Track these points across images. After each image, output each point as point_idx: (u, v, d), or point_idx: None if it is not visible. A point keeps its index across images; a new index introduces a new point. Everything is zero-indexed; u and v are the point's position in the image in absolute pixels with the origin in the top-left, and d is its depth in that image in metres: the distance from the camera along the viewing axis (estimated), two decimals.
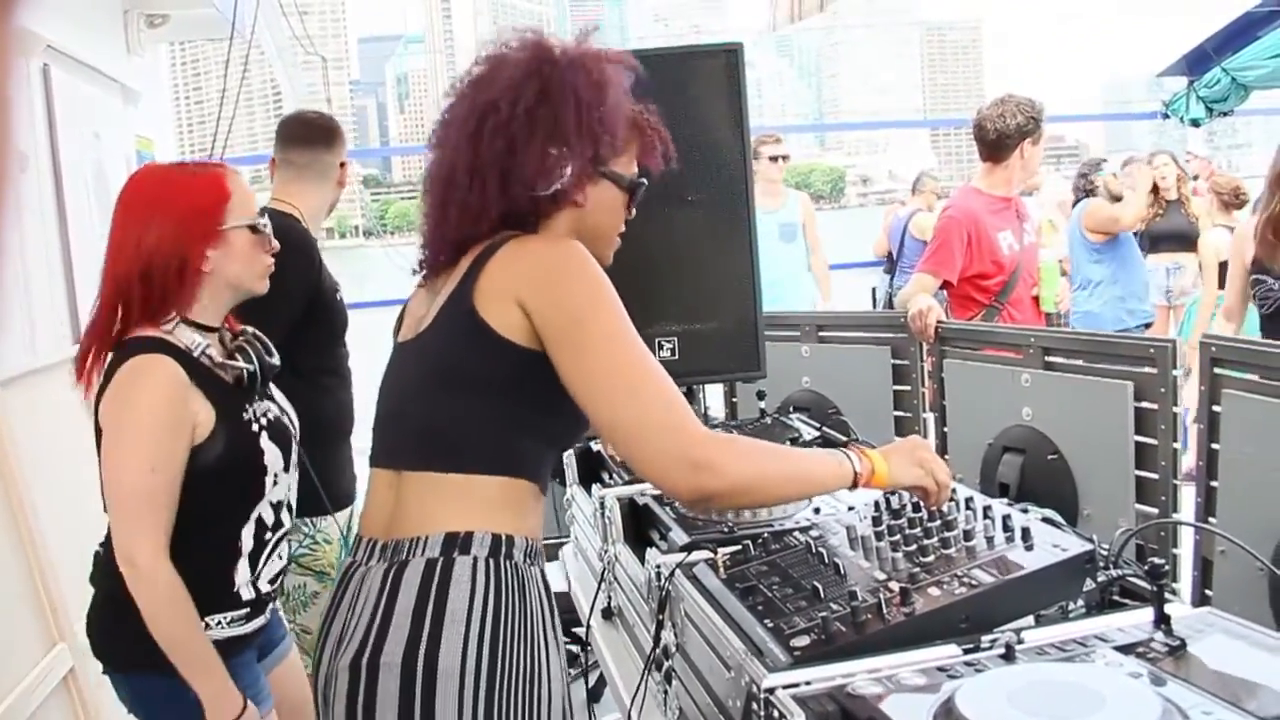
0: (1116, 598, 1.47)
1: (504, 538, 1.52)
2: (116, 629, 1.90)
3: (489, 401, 1.53)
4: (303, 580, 2.70)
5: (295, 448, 2.05)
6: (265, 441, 1.93)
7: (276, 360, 2.04)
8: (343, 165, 2.97)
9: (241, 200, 1.95)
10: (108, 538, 1.91)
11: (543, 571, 1.61)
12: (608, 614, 2.17)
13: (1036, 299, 3.88)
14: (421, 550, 1.50)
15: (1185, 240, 6.49)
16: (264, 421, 1.96)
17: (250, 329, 2.06)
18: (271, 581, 2.02)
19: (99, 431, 1.87)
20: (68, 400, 3.06)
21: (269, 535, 1.99)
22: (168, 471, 1.81)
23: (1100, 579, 1.44)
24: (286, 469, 2.00)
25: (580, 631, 2.30)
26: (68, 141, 3.29)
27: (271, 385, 2.07)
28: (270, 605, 2.05)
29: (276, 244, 2.02)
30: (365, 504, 1.65)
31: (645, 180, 1.66)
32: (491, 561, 1.50)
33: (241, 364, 1.94)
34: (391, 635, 1.46)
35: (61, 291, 3.25)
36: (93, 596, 1.98)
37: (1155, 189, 6.34)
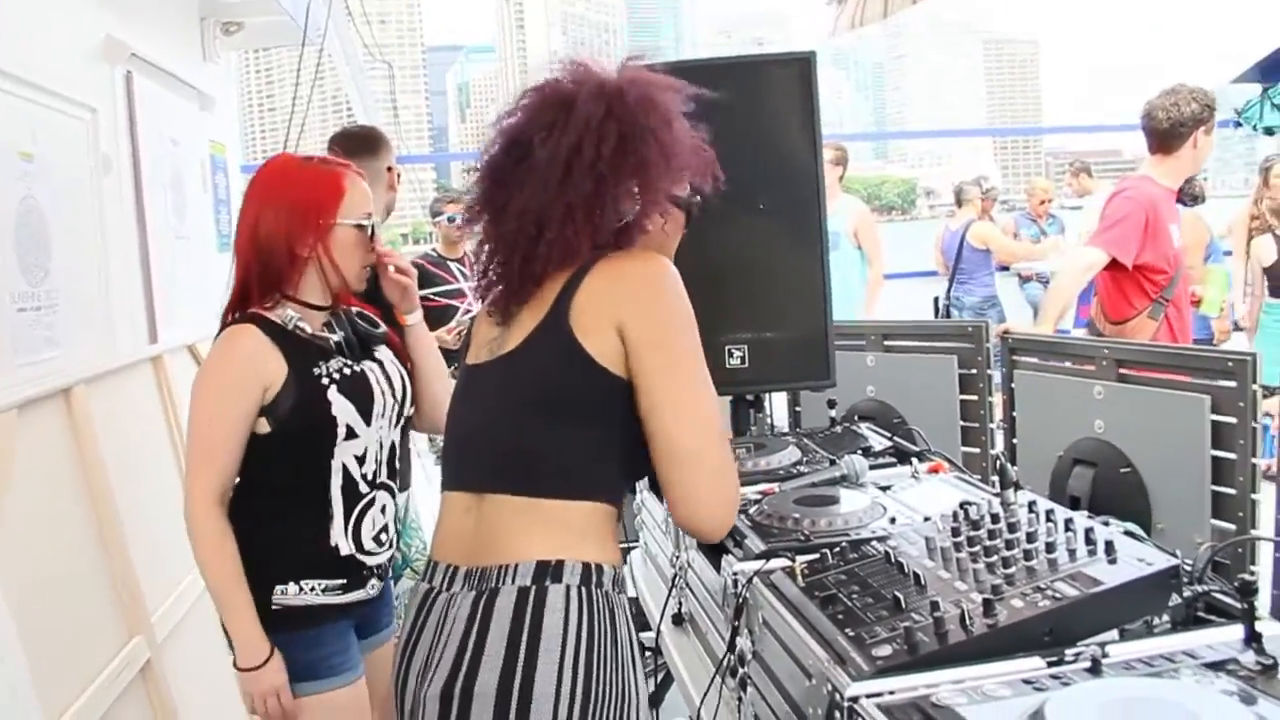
0: (1200, 614, 1.44)
1: (593, 566, 1.53)
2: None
3: (583, 428, 1.55)
4: (416, 583, 2.80)
5: (388, 404, 2.15)
6: (333, 393, 2.05)
7: (380, 329, 2.24)
8: (390, 169, 3.20)
9: (354, 201, 2.11)
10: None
11: (626, 598, 1.62)
12: (678, 620, 2.17)
13: (1194, 302, 3.73)
14: (512, 578, 1.50)
15: None
16: (336, 376, 2.07)
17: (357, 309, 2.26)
18: (376, 541, 2.11)
19: None
20: (145, 398, 3.14)
21: (364, 489, 2.09)
22: (224, 425, 1.97)
23: (1185, 594, 1.42)
24: (368, 423, 2.09)
25: (649, 636, 2.30)
26: (147, 146, 3.35)
27: (387, 351, 2.23)
28: (373, 581, 2.13)
29: (382, 249, 2.20)
30: (439, 529, 1.66)
31: (700, 198, 1.71)
32: (584, 590, 1.51)
33: (328, 335, 2.11)
34: (485, 664, 1.47)
35: (140, 293, 3.31)
36: None
37: None
